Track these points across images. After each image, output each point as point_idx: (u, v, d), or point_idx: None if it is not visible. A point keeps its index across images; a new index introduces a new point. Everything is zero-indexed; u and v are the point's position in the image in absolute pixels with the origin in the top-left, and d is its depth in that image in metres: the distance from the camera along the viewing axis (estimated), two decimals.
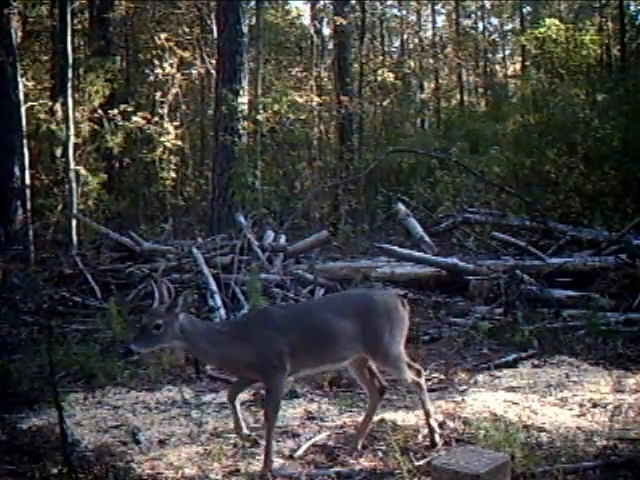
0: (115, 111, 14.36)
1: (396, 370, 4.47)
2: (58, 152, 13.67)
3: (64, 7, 13.50)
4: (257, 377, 4.28)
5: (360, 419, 4.92)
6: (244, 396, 5.56)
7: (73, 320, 8.14)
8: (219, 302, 8.01)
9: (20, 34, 14.20)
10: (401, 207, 11.79)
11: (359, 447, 4.45)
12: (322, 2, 21.74)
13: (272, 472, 4.12)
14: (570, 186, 12.81)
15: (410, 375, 4.47)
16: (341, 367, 4.75)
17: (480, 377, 5.93)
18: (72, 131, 12.77)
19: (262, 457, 4.22)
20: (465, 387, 5.70)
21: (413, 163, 17.79)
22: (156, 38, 16.62)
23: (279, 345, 4.15)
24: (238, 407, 4.34)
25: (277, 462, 4.30)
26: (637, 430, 4.57)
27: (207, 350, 4.17)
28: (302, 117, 16.78)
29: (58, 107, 13.35)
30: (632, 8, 19.60)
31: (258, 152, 14.98)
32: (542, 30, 17.78)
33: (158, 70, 16.09)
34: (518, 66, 26.34)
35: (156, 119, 15.64)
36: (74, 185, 12.64)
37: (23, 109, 12.78)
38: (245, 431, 4.37)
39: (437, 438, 4.46)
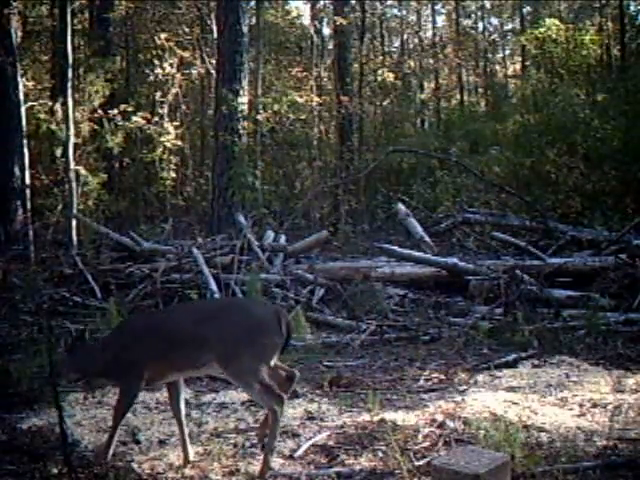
0: (115, 111, 14.35)
1: (247, 388, 4.15)
2: (58, 152, 13.65)
3: (64, 7, 13.49)
4: (114, 383, 4.41)
5: (360, 419, 4.93)
6: (244, 396, 5.56)
7: (73, 320, 8.13)
8: None
9: (20, 34, 14.20)
10: (401, 207, 11.80)
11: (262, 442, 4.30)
12: (322, 2, 21.76)
13: (106, 460, 4.19)
14: (570, 186, 12.83)
15: (265, 398, 4.09)
16: (211, 373, 4.76)
17: (480, 377, 5.93)
18: (72, 131, 12.76)
19: (261, 457, 4.25)
20: (465, 387, 5.70)
21: (413, 163, 17.80)
22: (156, 38, 16.62)
23: (135, 354, 4.17)
24: (184, 421, 4.36)
25: (277, 462, 4.30)
26: (637, 430, 4.57)
27: (86, 370, 4.42)
28: (302, 117, 16.79)
29: (58, 107, 13.33)
30: (632, 8, 19.63)
31: (258, 152, 15.00)
32: (542, 30, 17.80)
33: (158, 70, 16.09)
34: (518, 66, 26.34)
35: (156, 119, 15.63)
36: (74, 185, 12.64)
37: (23, 109, 12.77)
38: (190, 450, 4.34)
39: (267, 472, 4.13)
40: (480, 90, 27.94)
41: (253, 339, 4.13)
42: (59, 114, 13.28)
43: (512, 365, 6.27)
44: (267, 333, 4.17)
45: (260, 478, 4.06)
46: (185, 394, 5.51)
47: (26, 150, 12.76)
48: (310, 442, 4.56)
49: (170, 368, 4.22)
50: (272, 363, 4.21)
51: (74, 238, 12.06)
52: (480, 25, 28.54)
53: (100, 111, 14.30)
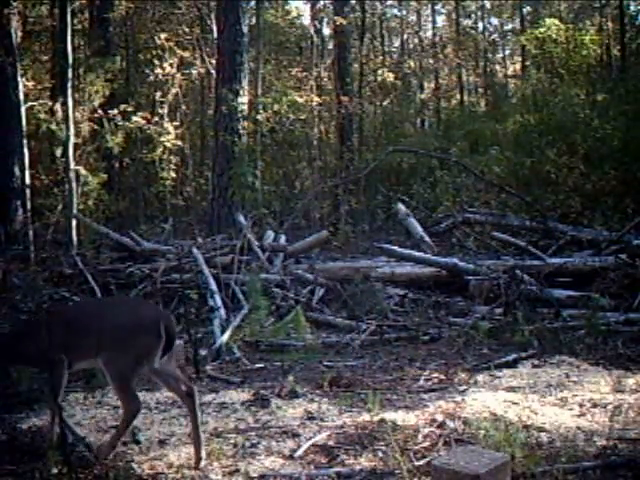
0: (115, 111, 14.32)
1: (118, 394, 4.33)
2: (58, 152, 13.63)
3: (64, 7, 13.49)
4: (42, 368, 4.58)
5: (360, 419, 4.93)
6: (244, 396, 5.57)
7: None
8: (219, 302, 8.01)
9: (20, 34, 14.16)
10: (401, 207, 11.80)
11: (201, 464, 4.26)
12: (322, 2, 21.76)
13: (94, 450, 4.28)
14: (570, 186, 12.82)
15: (124, 398, 4.25)
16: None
17: (480, 377, 5.93)
18: (72, 131, 12.75)
19: (261, 457, 4.24)
20: (465, 387, 5.70)
21: (413, 163, 17.79)
22: (156, 38, 16.62)
23: (50, 341, 4.31)
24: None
25: (277, 462, 4.30)
26: (637, 430, 4.57)
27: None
28: (302, 117, 16.79)
29: (58, 107, 13.31)
30: (632, 8, 19.65)
31: (258, 152, 14.99)
32: (542, 30, 17.81)
33: (158, 70, 16.08)
34: (518, 66, 26.36)
35: (156, 119, 15.62)
36: (74, 185, 12.63)
37: (23, 109, 12.76)
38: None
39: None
40: (480, 90, 27.95)
41: (128, 338, 4.26)
42: (59, 114, 13.26)
43: (512, 365, 6.27)
44: (143, 334, 4.27)
45: (96, 458, 4.24)
46: None
47: (26, 150, 12.74)
48: (310, 442, 4.56)
49: (74, 357, 4.38)
50: (156, 365, 4.30)
51: (74, 238, 12.05)
52: (480, 25, 28.59)
53: (100, 111, 14.27)
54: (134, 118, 14.71)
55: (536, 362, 6.33)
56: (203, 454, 4.28)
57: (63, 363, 4.36)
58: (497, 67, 28.77)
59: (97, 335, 4.26)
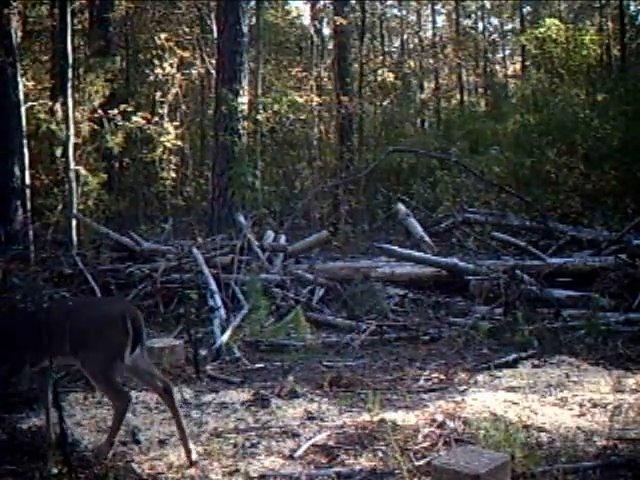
0: (115, 111, 14.31)
1: (103, 392, 4.43)
2: (58, 152, 13.63)
3: (64, 7, 13.48)
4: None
5: (360, 419, 4.93)
6: (244, 396, 5.57)
7: None
8: (219, 302, 8.01)
9: (20, 34, 14.16)
10: (401, 207, 11.81)
11: (193, 458, 4.28)
12: (322, 2, 21.75)
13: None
14: (570, 186, 12.82)
15: (110, 394, 4.34)
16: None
17: (480, 377, 5.93)
18: (72, 131, 12.74)
19: (261, 457, 4.24)
20: (465, 387, 5.70)
21: (413, 163, 17.80)
22: (156, 38, 16.61)
23: (15, 340, 4.33)
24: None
25: (277, 462, 4.30)
26: (637, 430, 4.57)
27: None
28: (302, 117, 16.79)
29: (58, 107, 13.31)
30: (632, 8, 19.64)
31: (258, 152, 15.00)
32: (542, 30, 17.82)
33: (158, 70, 16.07)
34: (518, 66, 26.36)
35: (156, 119, 15.62)
36: (74, 185, 12.62)
37: (23, 109, 12.75)
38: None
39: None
40: (480, 90, 27.95)
41: (97, 335, 4.29)
42: (59, 114, 13.25)
43: (512, 365, 6.27)
44: (109, 330, 4.31)
45: (96, 458, 4.24)
46: (185, 394, 5.56)
47: (26, 150, 12.73)
48: (310, 442, 4.56)
49: (44, 355, 4.36)
50: (126, 360, 4.32)
51: (74, 238, 12.05)
52: (480, 25, 28.58)
53: (100, 111, 14.26)
54: (134, 118, 14.70)
55: (536, 362, 6.33)
56: (192, 447, 4.28)
57: (21, 364, 4.38)
58: (497, 67, 28.76)
59: (67, 335, 4.27)
